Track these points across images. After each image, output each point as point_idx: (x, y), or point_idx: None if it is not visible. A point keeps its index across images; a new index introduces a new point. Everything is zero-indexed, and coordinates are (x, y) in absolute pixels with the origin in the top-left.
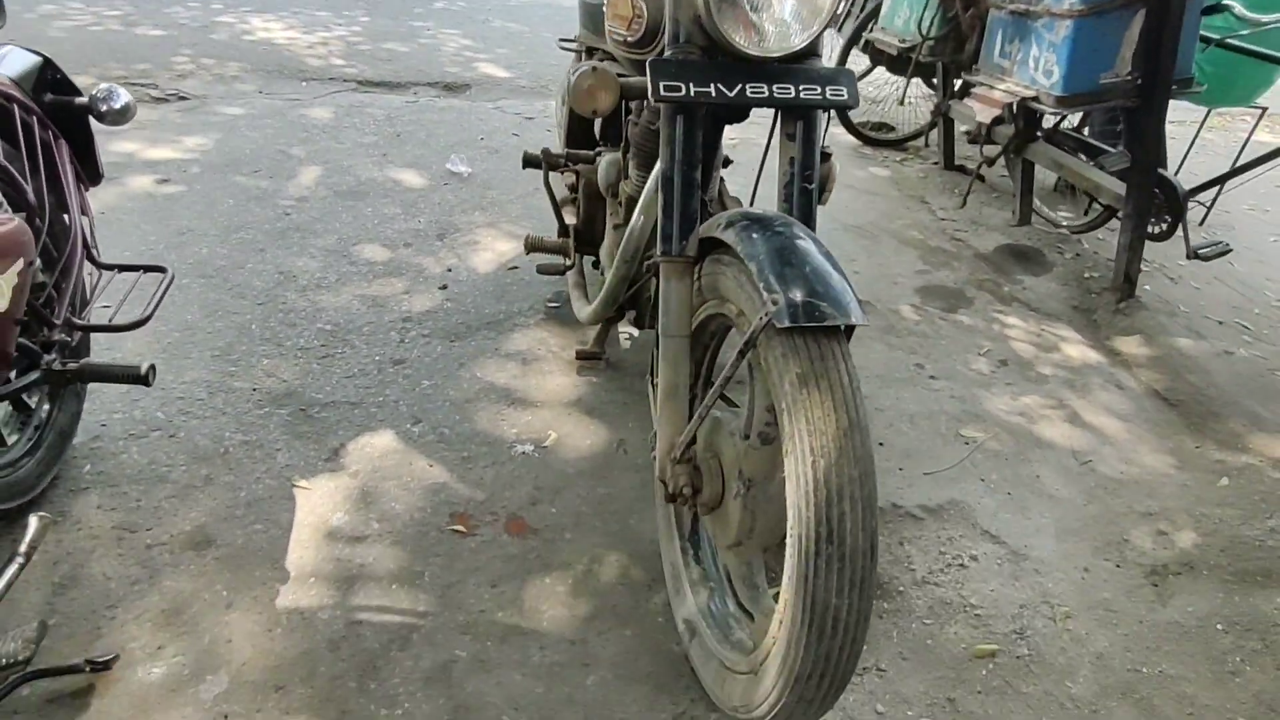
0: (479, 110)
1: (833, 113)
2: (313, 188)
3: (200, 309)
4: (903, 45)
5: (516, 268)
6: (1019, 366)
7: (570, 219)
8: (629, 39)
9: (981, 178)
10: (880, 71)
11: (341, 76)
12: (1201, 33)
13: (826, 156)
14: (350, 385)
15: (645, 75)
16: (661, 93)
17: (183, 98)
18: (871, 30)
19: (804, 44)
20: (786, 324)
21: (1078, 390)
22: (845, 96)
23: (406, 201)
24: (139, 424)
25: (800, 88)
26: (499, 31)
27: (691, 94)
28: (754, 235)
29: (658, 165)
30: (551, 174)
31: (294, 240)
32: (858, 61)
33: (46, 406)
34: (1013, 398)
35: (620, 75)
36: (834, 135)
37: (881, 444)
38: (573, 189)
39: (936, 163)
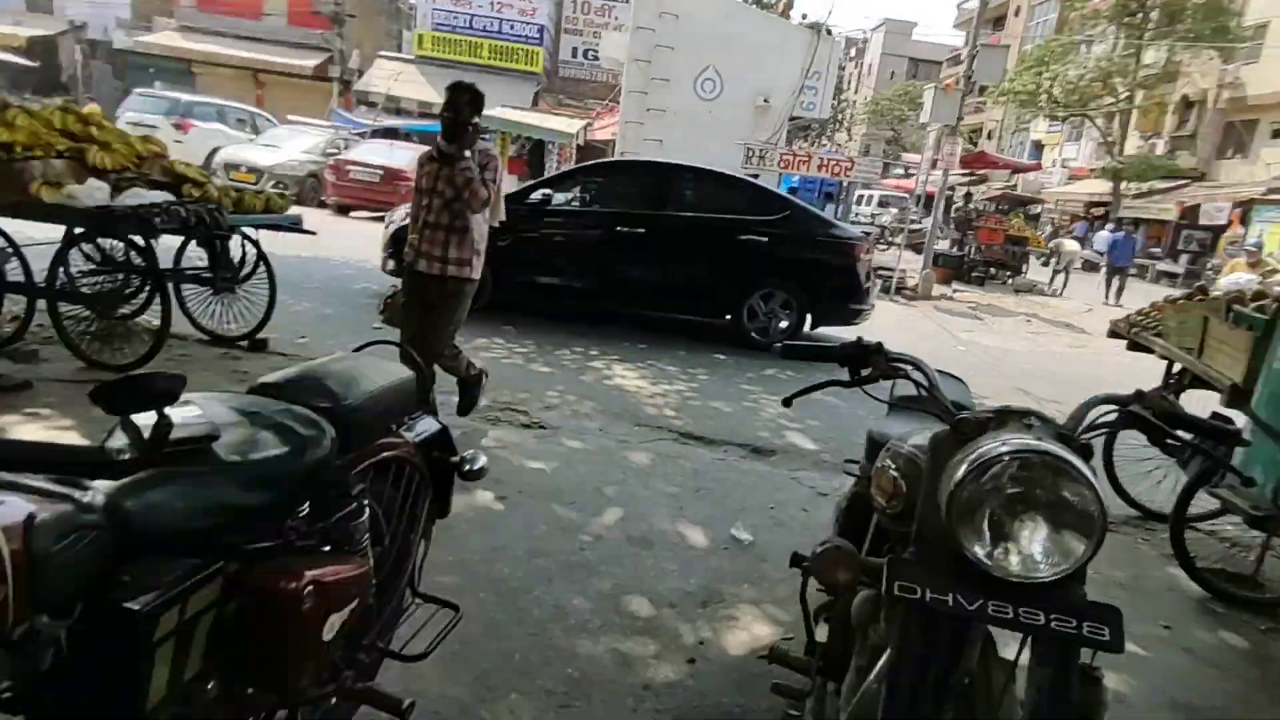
0: (777, 477)
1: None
2: (610, 527)
3: (482, 627)
4: (1257, 513)
5: (765, 657)
6: None
7: (822, 635)
8: (888, 511)
9: None
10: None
11: (668, 426)
12: None
13: (1096, 680)
14: None
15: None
16: (895, 591)
17: (541, 426)
18: (1217, 484)
19: (1051, 578)
20: None
21: None
22: (1107, 637)
23: (685, 560)
24: None
25: (1052, 617)
26: (817, 404)
27: (926, 599)
28: None
29: (885, 656)
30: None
31: (579, 576)
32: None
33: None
34: None
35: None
36: (1172, 578)
37: None
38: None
39: None
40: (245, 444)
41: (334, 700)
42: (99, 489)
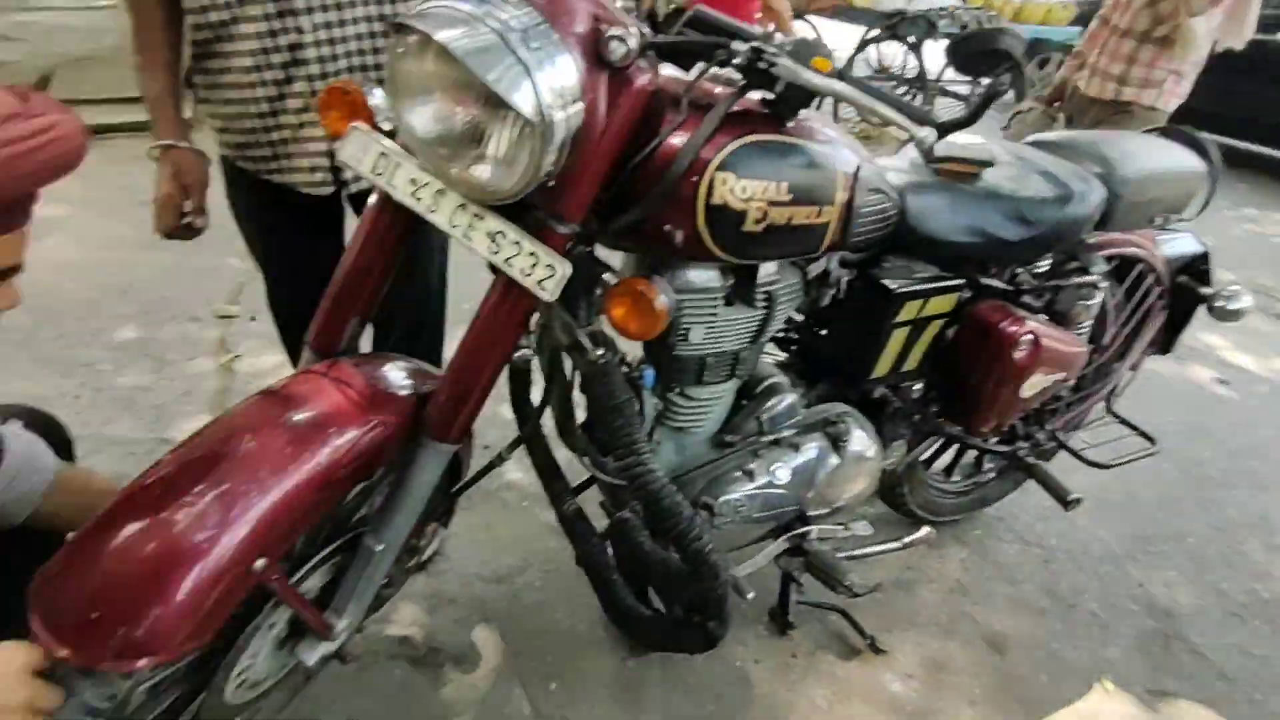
0: None
1: None
2: None
3: (1156, 495)
4: None
5: None
6: None
7: None
8: None
9: None
10: None
11: None
12: None
13: None
14: (1226, 646)
15: None
16: None
17: None
18: None
19: None
20: None
21: None
22: None
23: None
24: (1016, 531)
25: None
26: None
27: None
28: None
29: None
30: None
31: None
32: None
33: (991, 477)
34: None
35: None
36: None
37: None
38: None
39: None
40: (1015, 179)
41: (1000, 463)
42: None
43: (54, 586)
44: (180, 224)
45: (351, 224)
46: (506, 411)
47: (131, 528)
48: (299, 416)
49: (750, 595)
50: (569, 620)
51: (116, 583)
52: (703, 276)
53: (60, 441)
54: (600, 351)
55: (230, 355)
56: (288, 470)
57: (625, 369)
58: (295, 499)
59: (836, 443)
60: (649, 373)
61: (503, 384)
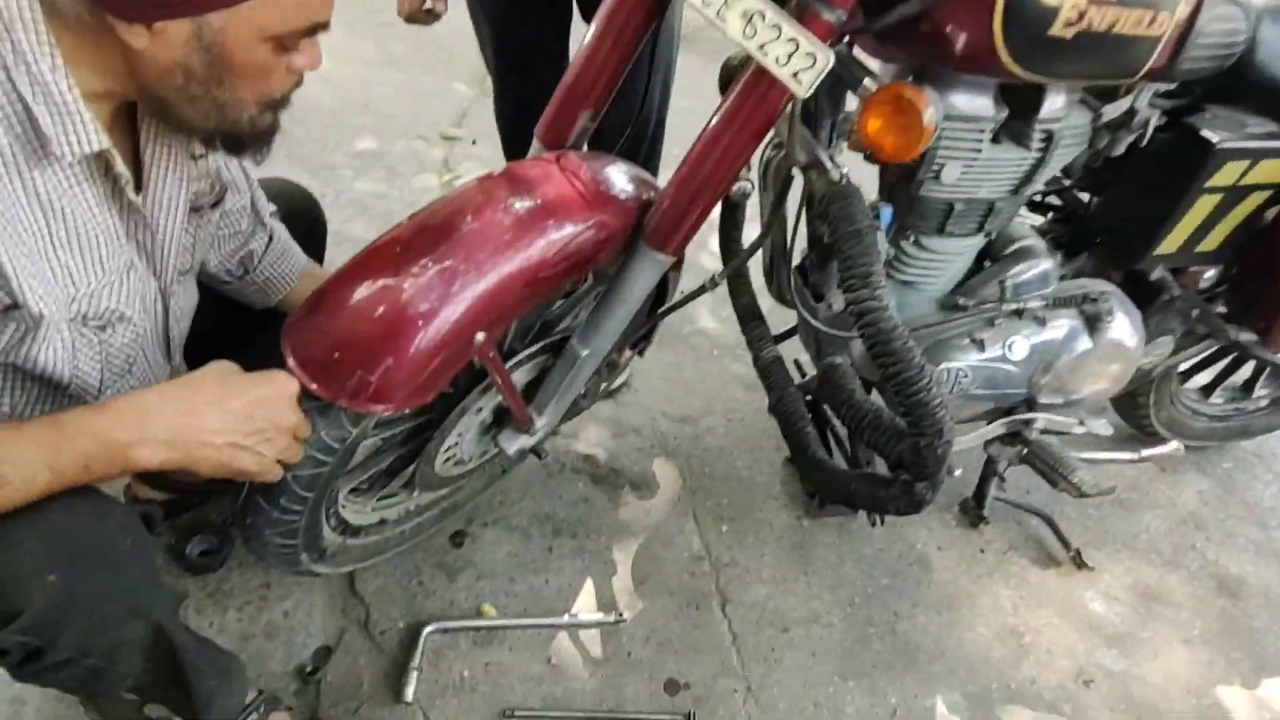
0: None
1: None
2: None
3: None
4: None
5: None
6: None
7: None
8: None
9: None
10: None
11: None
12: None
13: None
14: None
15: None
16: None
17: None
18: None
19: None
20: None
21: None
22: None
23: None
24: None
25: None
26: None
27: None
28: None
29: None
30: None
31: None
32: None
33: (1262, 406)
34: None
35: None
36: None
37: None
38: None
39: None
40: None
41: None
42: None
43: (301, 329)
44: (422, 8)
45: (578, 26)
46: (706, 259)
47: (369, 285)
48: (525, 201)
49: (958, 471)
50: (749, 470)
51: (356, 331)
52: (973, 102)
53: (314, 218)
54: (845, 169)
55: (451, 175)
56: (511, 251)
57: None
58: (515, 280)
59: (1092, 324)
60: (886, 211)
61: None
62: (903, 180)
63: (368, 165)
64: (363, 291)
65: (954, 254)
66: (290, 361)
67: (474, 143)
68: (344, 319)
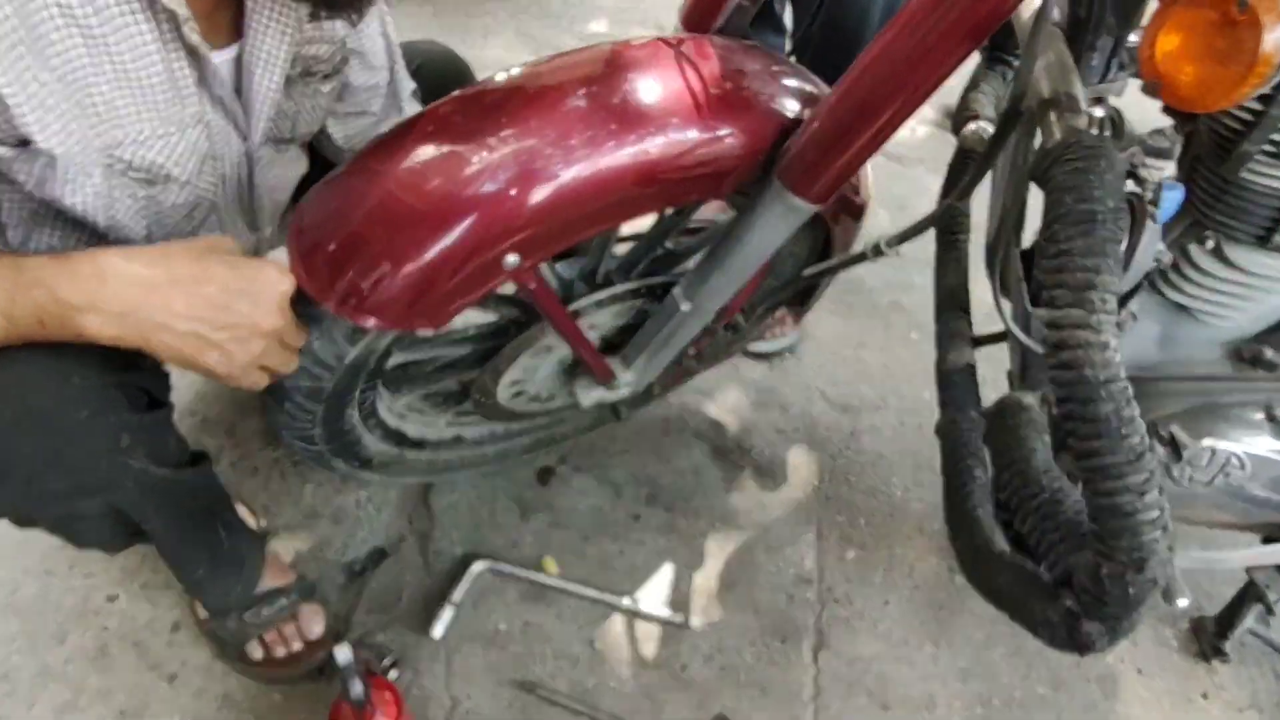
0: None
1: None
2: None
3: None
4: None
5: None
6: None
7: None
8: None
9: None
10: None
11: None
12: None
13: None
14: None
15: None
16: None
17: None
18: None
19: None
20: None
21: None
22: None
23: None
24: None
25: None
26: None
27: None
28: None
29: None
30: None
31: None
32: None
33: None
34: None
35: None
36: None
37: None
38: None
39: None
40: None
41: None
42: None
43: (307, 214)
44: None
45: None
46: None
47: (390, 166)
48: (604, 91)
49: (1184, 603)
50: (904, 491)
51: (355, 223)
52: None
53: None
54: (1100, 115)
55: None
56: (557, 155)
57: (1131, 178)
58: (559, 197)
59: None
60: (1171, 195)
61: None
62: (1214, 151)
63: None
64: (380, 174)
65: (1273, 281)
66: (290, 254)
67: None
68: (349, 206)
